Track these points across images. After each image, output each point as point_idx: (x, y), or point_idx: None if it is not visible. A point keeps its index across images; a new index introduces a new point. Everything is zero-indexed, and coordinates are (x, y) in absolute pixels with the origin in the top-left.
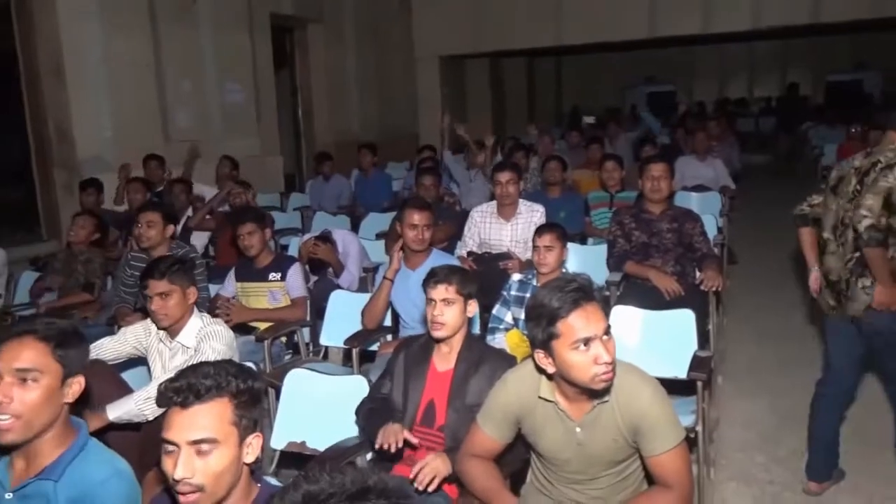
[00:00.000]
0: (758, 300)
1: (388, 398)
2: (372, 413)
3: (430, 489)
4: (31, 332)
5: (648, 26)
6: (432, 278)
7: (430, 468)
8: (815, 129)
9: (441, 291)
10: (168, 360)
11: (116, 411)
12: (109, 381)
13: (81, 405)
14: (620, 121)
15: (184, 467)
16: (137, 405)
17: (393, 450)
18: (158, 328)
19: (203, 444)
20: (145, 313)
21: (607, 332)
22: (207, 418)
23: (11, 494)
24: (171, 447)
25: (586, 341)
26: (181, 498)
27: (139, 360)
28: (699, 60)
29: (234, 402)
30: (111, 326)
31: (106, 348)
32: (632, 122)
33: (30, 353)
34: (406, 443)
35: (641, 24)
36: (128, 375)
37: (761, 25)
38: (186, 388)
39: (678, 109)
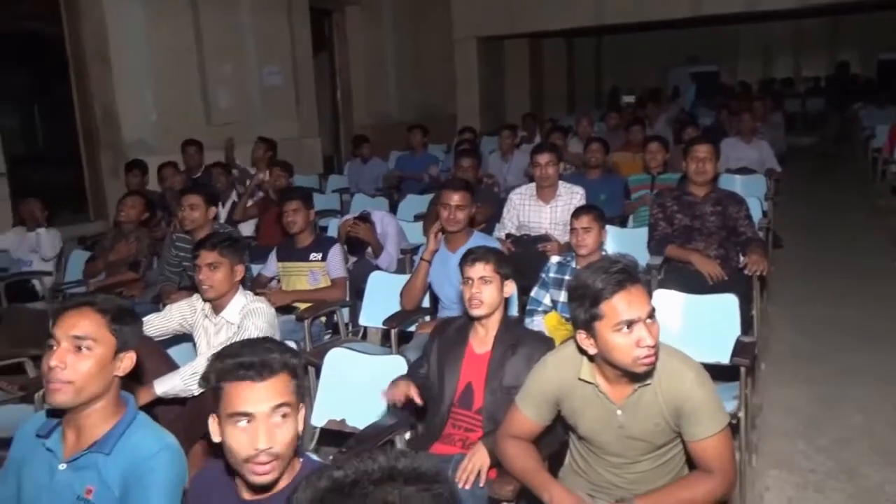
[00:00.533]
0: (803, 286)
1: (427, 380)
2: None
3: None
4: (89, 304)
5: (692, 4)
6: (469, 257)
7: (473, 465)
8: (866, 109)
9: (479, 270)
10: (213, 335)
11: (163, 386)
12: (156, 356)
13: (131, 380)
14: (661, 101)
15: (266, 437)
16: (184, 380)
17: (399, 405)
18: (204, 299)
19: (282, 411)
20: (190, 291)
21: (651, 315)
22: (282, 389)
23: (65, 465)
24: (244, 420)
25: (629, 324)
26: (259, 468)
27: (184, 337)
28: (744, 39)
29: (295, 379)
30: (156, 304)
31: (152, 324)
32: (673, 104)
33: (87, 323)
34: (444, 421)
35: (684, 2)
36: (173, 351)
37: (810, 2)
38: (260, 364)
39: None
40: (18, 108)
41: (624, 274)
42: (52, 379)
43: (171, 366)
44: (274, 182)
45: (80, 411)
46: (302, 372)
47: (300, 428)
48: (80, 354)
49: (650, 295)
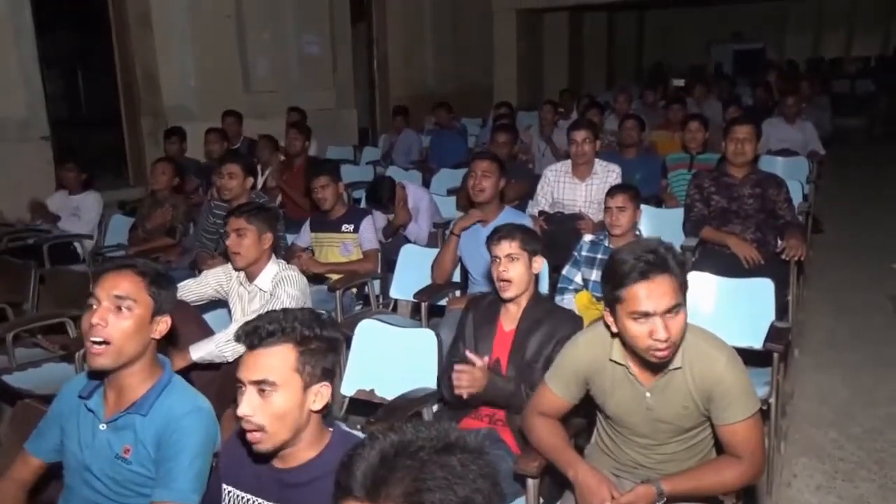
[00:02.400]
0: (841, 272)
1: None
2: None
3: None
4: (130, 267)
5: None
6: (495, 235)
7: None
8: None
9: (505, 247)
10: (247, 303)
11: (199, 352)
12: (192, 321)
13: (168, 345)
14: (710, 83)
15: (246, 405)
16: (218, 346)
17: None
18: (234, 268)
19: (263, 385)
20: (225, 258)
21: (672, 309)
22: (269, 361)
23: (105, 426)
24: (240, 385)
25: (645, 314)
26: (248, 436)
27: (220, 303)
28: (792, 15)
29: (300, 348)
30: (192, 270)
31: (189, 290)
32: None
33: (127, 284)
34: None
35: None
36: (209, 317)
37: None
38: (252, 331)
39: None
40: (62, 72)
41: (650, 264)
42: (93, 336)
43: (207, 331)
44: (289, 145)
45: (120, 373)
46: (322, 345)
47: (318, 403)
48: (120, 314)
49: (682, 282)
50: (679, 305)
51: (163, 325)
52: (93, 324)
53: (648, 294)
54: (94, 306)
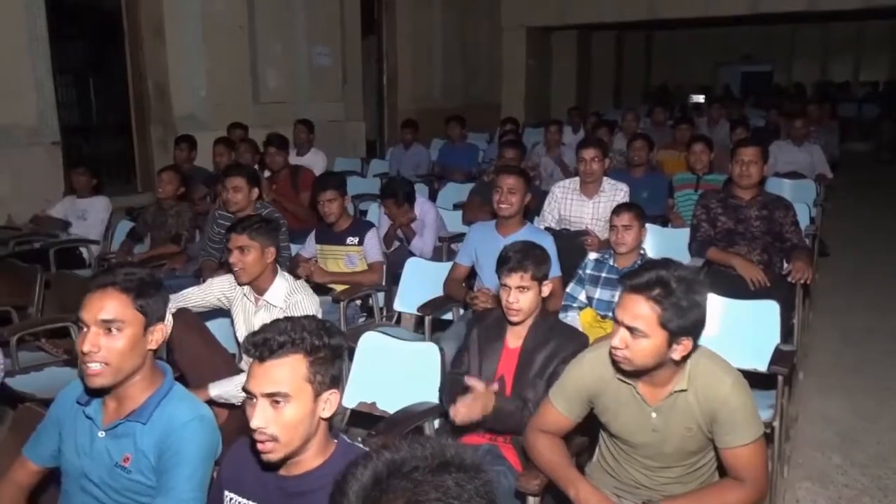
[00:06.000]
0: (847, 296)
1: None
2: (454, 385)
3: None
4: (112, 284)
5: (750, 1)
6: (506, 265)
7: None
8: None
9: (516, 280)
10: (252, 315)
11: (218, 389)
12: (195, 329)
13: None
14: (726, 104)
15: (259, 418)
16: (237, 387)
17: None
18: (238, 283)
19: (277, 397)
20: (230, 268)
21: (631, 329)
22: (281, 373)
23: (104, 433)
24: (250, 398)
25: (615, 320)
26: (259, 446)
27: (223, 312)
28: (801, 39)
29: (310, 358)
30: (197, 278)
31: (192, 297)
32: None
33: (112, 304)
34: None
35: None
36: (211, 325)
37: (875, 3)
38: (262, 342)
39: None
40: (74, 80)
41: (634, 280)
42: (88, 362)
43: (210, 339)
44: (271, 162)
45: (119, 385)
46: (329, 353)
47: (327, 411)
48: (111, 335)
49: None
50: (635, 330)
51: (158, 334)
52: (85, 351)
53: (622, 305)
54: (85, 330)
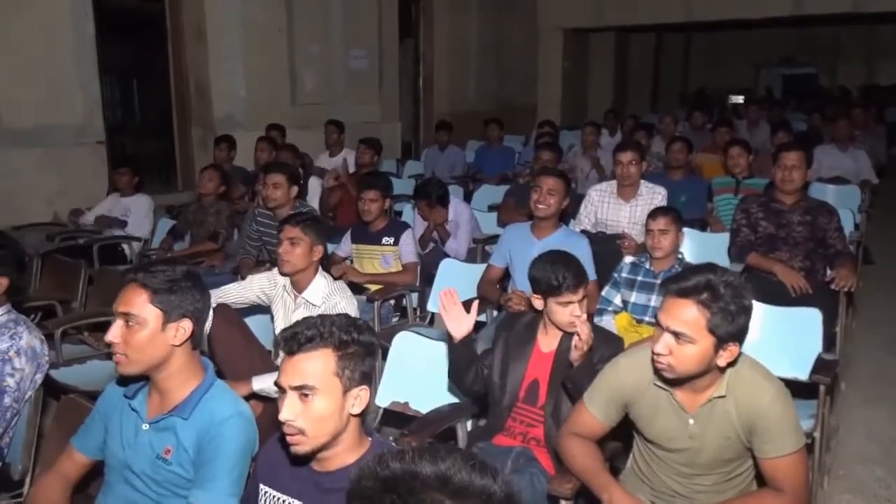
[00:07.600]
0: (891, 305)
1: (488, 372)
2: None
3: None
4: (134, 280)
5: (793, 3)
6: (566, 288)
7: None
8: None
9: (580, 294)
10: (291, 311)
11: (260, 383)
12: (233, 323)
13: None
14: (766, 106)
15: (287, 410)
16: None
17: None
18: (281, 273)
19: (304, 390)
20: (267, 265)
21: (677, 335)
22: (309, 366)
23: (148, 426)
24: (281, 391)
25: (660, 326)
26: (288, 438)
27: (261, 308)
28: (845, 41)
29: (338, 353)
30: (235, 275)
31: (230, 293)
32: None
33: (132, 300)
34: (506, 414)
35: (785, 0)
36: (250, 321)
37: None
38: (291, 336)
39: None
40: (118, 81)
41: (681, 283)
42: (114, 352)
43: (250, 335)
44: (359, 158)
45: (156, 376)
46: (360, 349)
47: (357, 407)
48: (130, 329)
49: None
50: (682, 335)
51: (182, 330)
52: (108, 341)
53: (665, 309)
54: (113, 322)
